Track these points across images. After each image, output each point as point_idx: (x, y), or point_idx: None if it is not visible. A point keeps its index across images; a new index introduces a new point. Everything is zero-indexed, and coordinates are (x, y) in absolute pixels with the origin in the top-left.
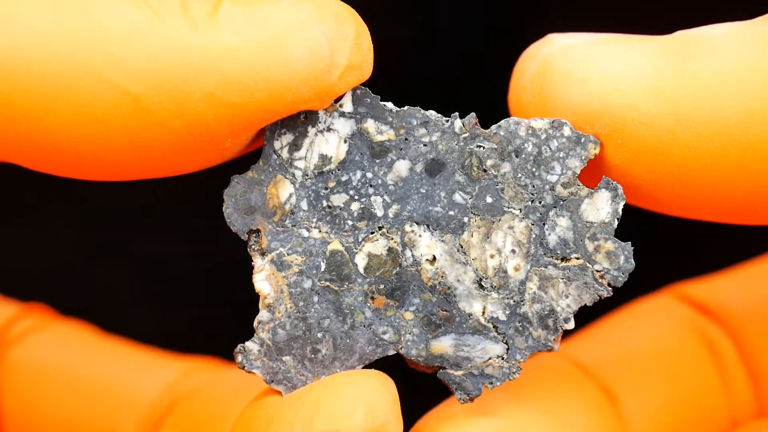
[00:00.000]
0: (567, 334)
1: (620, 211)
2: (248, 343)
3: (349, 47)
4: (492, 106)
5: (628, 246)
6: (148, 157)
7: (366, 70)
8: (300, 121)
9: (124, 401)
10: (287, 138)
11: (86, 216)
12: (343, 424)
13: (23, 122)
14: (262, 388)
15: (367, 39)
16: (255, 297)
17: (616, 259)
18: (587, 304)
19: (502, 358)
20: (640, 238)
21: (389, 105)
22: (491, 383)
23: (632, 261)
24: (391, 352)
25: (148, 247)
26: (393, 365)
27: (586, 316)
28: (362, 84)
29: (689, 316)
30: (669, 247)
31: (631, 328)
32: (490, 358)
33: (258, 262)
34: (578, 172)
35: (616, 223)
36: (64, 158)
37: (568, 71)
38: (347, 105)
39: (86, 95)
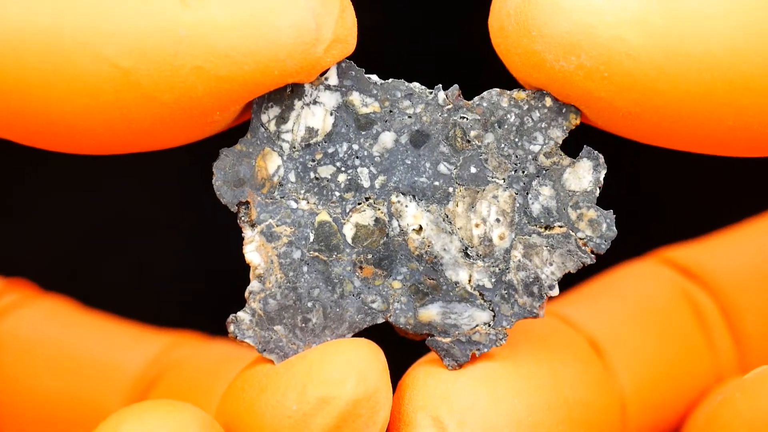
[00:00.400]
0: (552, 300)
1: (602, 179)
2: (240, 313)
3: (334, 21)
4: (475, 79)
5: (610, 214)
6: (139, 131)
7: (351, 43)
8: (286, 95)
9: (109, 374)
10: (274, 111)
11: (85, 212)
12: (335, 390)
13: (14, 96)
14: (246, 360)
15: (351, 13)
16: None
17: (598, 227)
18: (571, 271)
19: (489, 325)
20: (623, 204)
21: (374, 78)
22: (478, 350)
23: (614, 228)
24: (380, 321)
25: (145, 242)
26: (380, 335)
27: (569, 283)
28: (347, 58)
29: (674, 279)
30: (651, 214)
31: (617, 289)
32: (477, 325)
33: (248, 233)
34: (560, 141)
35: (598, 191)
36: (55, 132)
37: (555, 0)
38: (332, 78)
39: (77, 69)
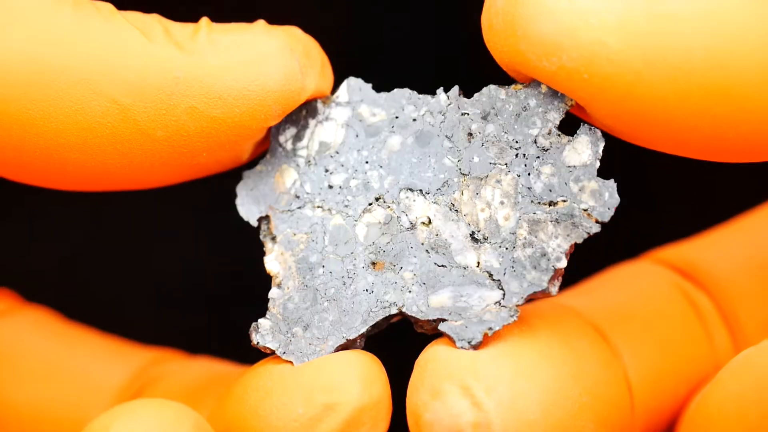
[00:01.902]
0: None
1: (600, 152)
2: (261, 320)
3: (317, 74)
4: (474, 79)
5: (612, 183)
6: (131, 166)
7: (327, 93)
8: (302, 116)
9: (92, 386)
10: (291, 131)
11: (87, 214)
12: (341, 397)
13: (15, 128)
14: (228, 377)
15: (329, 68)
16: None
17: (601, 197)
18: (577, 242)
19: (499, 304)
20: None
21: (380, 93)
22: (490, 329)
23: (617, 196)
24: (394, 311)
25: (152, 248)
26: (377, 346)
27: (567, 282)
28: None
29: (668, 276)
30: (643, 214)
31: (615, 284)
32: (487, 305)
33: (268, 245)
34: (558, 123)
35: (598, 164)
36: (50, 166)
37: (539, 1)
38: (343, 96)
39: (78, 104)
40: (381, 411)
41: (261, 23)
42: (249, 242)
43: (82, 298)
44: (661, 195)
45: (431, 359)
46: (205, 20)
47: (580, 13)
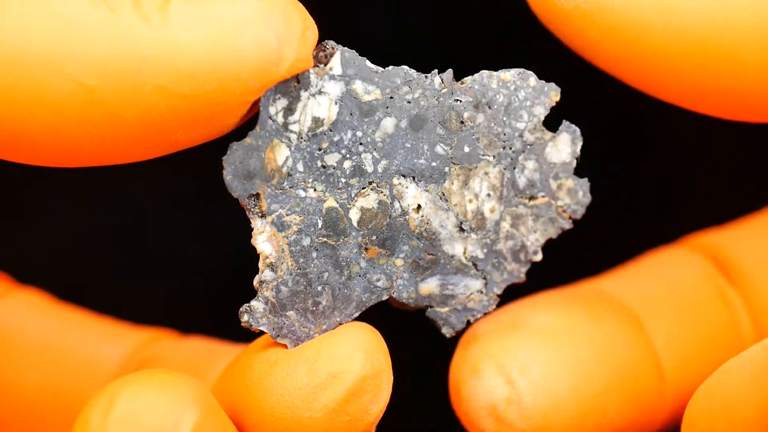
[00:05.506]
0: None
1: (578, 151)
2: (253, 303)
3: (297, 40)
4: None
5: (585, 181)
6: (102, 146)
7: (311, 61)
8: (293, 86)
9: (90, 366)
10: (282, 103)
11: (87, 211)
12: (345, 367)
13: None
14: (225, 354)
15: (314, 31)
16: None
17: (575, 195)
18: (552, 237)
19: (481, 292)
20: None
21: (374, 66)
22: (473, 316)
23: (589, 195)
24: (385, 297)
25: (153, 240)
26: (375, 320)
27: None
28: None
29: (703, 264)
30: (676, 200)
31: (651, 270)
32: (471, 293)
33: (258, 224)
34: (542, 118)
35: (575, 162)
36: (17, 145)
37: None
38: (336, 68)
39: (41, 86)
40: (383, 380)
41: None
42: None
43: (79, 292)
44: (686, 180)
45: (472, 339)
46: None
47: None
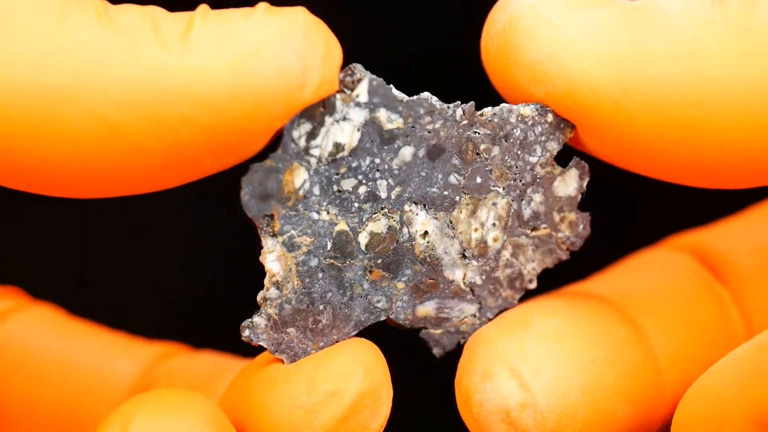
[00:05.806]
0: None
1: (585, 186)
2: (255, 318)
3: (320, 63)
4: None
5: (587, 216)
6: (127, 178)
7: (336, 83)
8: (318, 112)
9: (103, 381)
10: (305, 127)
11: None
12: (343, 384)
13: (1, 145)
14: (236, 369)
15: (338, 52)
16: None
17: (576, 228)
18: (548, 267)
19: (475, 316)
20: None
21: (400, 94)
22: (464, 338)
23: (589, 228)
24: (383, 318)
25: (150, 240)
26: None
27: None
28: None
29: (689, 262)
30: (656, 202)
31: (639, 271)
32: (465, 317)
33: (268, 243)
34: (555, 153)
35: (581, 197)
36: (43, 180)
37: (530, 30)
38: (363, 96)
39: (64, 122)
40: (382, 395)
41: (262, 7)
42: (252, 239)
43: (82, 297)
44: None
45: (482, 344)
46: (201, 9)
47: (566, 44)
